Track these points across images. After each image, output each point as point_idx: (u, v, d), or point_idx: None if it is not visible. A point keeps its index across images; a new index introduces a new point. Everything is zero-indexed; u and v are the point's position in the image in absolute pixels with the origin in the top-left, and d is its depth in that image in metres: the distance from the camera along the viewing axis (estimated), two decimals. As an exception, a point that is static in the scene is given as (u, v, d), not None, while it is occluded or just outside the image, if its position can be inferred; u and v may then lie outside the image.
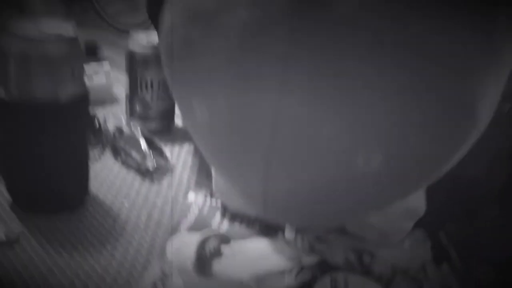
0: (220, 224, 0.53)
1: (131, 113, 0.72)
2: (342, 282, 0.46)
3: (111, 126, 0.69)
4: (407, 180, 0.36)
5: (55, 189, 0.52)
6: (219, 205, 0.56)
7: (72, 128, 0.50)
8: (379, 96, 0.28)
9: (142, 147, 0.63)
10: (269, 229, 0.53)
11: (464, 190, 0.57)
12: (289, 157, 0.34)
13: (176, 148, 0.70)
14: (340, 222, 0.46)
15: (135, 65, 0.69)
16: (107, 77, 0.81)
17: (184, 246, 0.49)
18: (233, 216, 0.54)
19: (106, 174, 0.62)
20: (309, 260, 0.49)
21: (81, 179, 0.55)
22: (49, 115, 0.48)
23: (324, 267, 0.48)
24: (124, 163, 0.64)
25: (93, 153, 0.65)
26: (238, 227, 0.53)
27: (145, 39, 0.68)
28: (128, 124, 0.69)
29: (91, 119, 0.56)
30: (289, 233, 0.51)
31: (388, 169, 0.33)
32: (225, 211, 0.55)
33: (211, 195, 0.58)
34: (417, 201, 0.51)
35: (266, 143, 0.34)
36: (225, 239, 0.51)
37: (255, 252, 0.50)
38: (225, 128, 0.36)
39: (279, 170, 0.36)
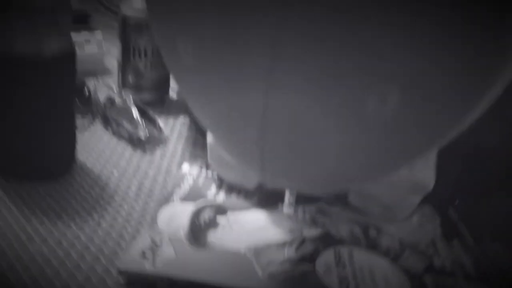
0: (216, 195, 0.50)
1: (123, 82, 0.68)
2: (346, 255, 0.43)
3: (101, 96, 0.66)
4: (419, 134, 0.32)
5: (38, 155, 0.48)
6: (215, 176, 0.53)
7: (56, 88, 0.47)
8: (400, 27, 0.25)
9: (134, 116, 0.60)
10: (268, 201, 0.49)
11: (479, 164, 0.54)
12: (287, 102, 0.30)
13: (171, 120, 0.66)
14: (342, 186, 0.42)
15: (128, 31, 0.65)
16: (99, 47, 0.77)
17: (177, 215, 0.46)
18: (229, 188, 0.51)
19: (95, 144, 0.58)
20: (311, 232, 0.46)
21: (67, 146, 0.51)
22: (31, 72, 0.44)
23: (327, 240, 0.45)
24: (115, 133, 0.60)
25: (82, 122, 0.62)
26: (235, 199, 0.49)
27: (139, 2, 0.64)
28: (120, 94, 0.65)
29: (78, 81, 0.52)
30: (288, 205, 0.48)
31: (400, 116, 0.29)
32: (221, 183, 0.52)
33: (207, 167, 0.54)
34: (426, 175, 0.48)
35: (261, 89, 0.30)
36: (221, 210, 0.47)
37: (253, 223, 0.46)
38: (213, 75, 0.32)
39: (276, 122, 0.32)
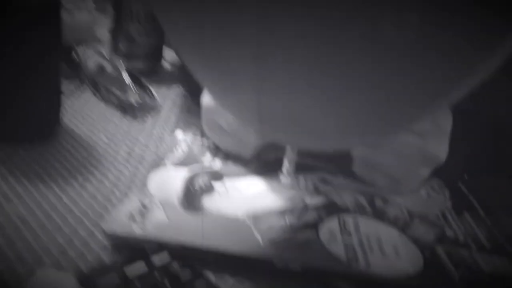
0: (211, 162, 0.46)
1: (115, 49, 0.64)
2: (352, 223, 0.40)
3: (91, 63, 0.62)
4: (420, 91, 0.29)
5: (20, 116, 0.44)
6: (210, 144, 0.49)
7: (39, 44, 0.43)
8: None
9: (126, 82, 0.56)
10: (266, 170, 0.46)
11: (493, 138, 0.51)
12: (285, 51, 0.27)
13: (164, 89, 0.63)
14: (342, 144, 0.39)
15: (120, -7, 0.61)
16: (90, 14, 0.73)
17: (170, 180, 0.42)
18: (226, 155, 0.48)
19: (82, 109, 0.54)
20: (314, 201, 0.42)
21: (51, 107, 0.47)
22: (10, 20, 0.40)
23: (330, 208, 0.42)
24: (104, 99, 0.57)
25: (69, 87, 0.58)
26: (231, 166, 0.46)
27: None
28: (110, 60, 0.61)
29: (65, 43, 0.48)
30: (287, 174, 0.45)
31: (402, 71, 0.26)
32: (216, 150, 0.48)
33: (201, 134, 0.51)
34: (439, 146, 0.45)
35: (255, 38, 0.27)
36: (217, 176, 0.44)
37: (251, 190, 0.43)
38: (209, 30, 0.29)
39: (273, 73, 0.29)
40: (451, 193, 0.47)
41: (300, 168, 0.47)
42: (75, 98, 0.56)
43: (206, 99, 0.47)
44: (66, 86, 0.58)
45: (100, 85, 0.58)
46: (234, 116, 0.43)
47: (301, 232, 0.38)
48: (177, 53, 0.35)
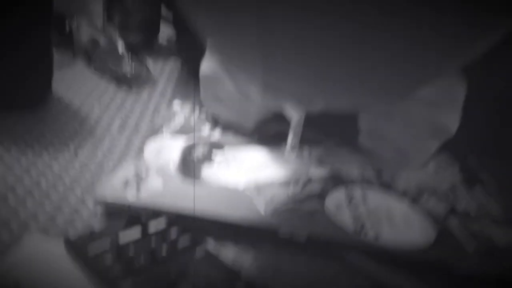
0: (210, 132, 0.44)
1: (109, 21, 0.62)
2: (359, 195, 0.38)
3: (84, 36, 0.59)
4: (433, 42, 0.26)
5: (9, 83, 0.42)
6: (209, 115, 0.47)
7: (28, 9, 0.40)
8: None
9: (120, 53, 0.54)
10: (269, 141, 0.44)
11: (503, 111, 0.49)
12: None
13: (160, 63, 0.60)
14: (349, 103, 0.36)
15: (114, -39, 0.59)
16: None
17: (167, 148, 0.40)
18: (226, 126, 0.45)
19: (75, 80, 0.52)
20: (318, 172, 0.40)
21: (42, 74, 0.45)
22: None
23: (336, 180, 0.39)
24: (98, 69, 0.54)
25: (62, 58, 0.56)
26: (232, 137, 0.44)
27: None
28: (105, 33, 0.59)
29: (56, 13, 0.46)
30: (291, 147, 0.42)
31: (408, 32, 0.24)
32: (216, 121, 0.46)
33: (200, 106, 0.49)
34: (450, 118, 0.42)
35: None
36: (216, 146, 0.42)
37: (253, 161, 0.41)
38: None
39: (278, 26, 0.26)
40: (461, 167, 0.45)
41: (304, 141, 0.45)
42: (68, 70, 0.53)
43: (205, 69, 0.44)
44: (59, 58, 0.56)
45: (94, 57, 0.56)
46: (236, 83, 0.40)
47: (306, 203, 0.36)
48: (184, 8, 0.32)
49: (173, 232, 0.29)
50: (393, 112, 0.42)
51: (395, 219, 0.35)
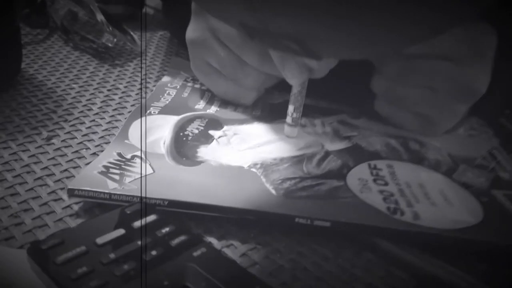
0: (206, 108, 0.38)
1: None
2: (386, 170, 0.32)
3: (61, 9, 0.53)
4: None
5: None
6: (203, 90, 0.41)
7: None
8: None
9: (102, 25, 0.47)
10: (274, 114, 0.38)
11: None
12: None
13: (148, 34, 0.54)
14: (361, 54, 0.30)
15: None
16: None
17: (155, 128, 0.34)
18: (223, 102, 0.39)
19: (52, 58, 0.46)
20: (335, 146, 0.35)
21: (7, 56, 0.39)
22: None
23: (357, 153, 0.34)
24: (78, 46, 0.48)
25: (38, 35, 0.50)
26: (231, 113, 0.38)
27: None
28: (83, 5, 0.52)
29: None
30: (291, 121, 0.35)
31: None
32: (212, 97, 0.40)
33: (193, 80, 0.43)
34: (479, 77, 0.36)
35: None
36: (214, 122, 0.36)
37: (258, 137, 0.35)
38: None
39: None
40: (496, 130, 0.40)
41: (315, 111, 0.39)
42: (44, 48, 0.47)
43: (190, 33, 0.38)
44: (34, 35, 0.50)
45: (73, 32, 0.50)
46: (228, 45, 0.34)
47: (324, 181, 0.30)
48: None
49: (166, 226, 0.23)
50: (410, 71, 0.36)
51: (432, 195, 0.30)
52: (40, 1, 0.52)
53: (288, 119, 0.35)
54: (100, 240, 0.22)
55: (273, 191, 0.28)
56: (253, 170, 0.31)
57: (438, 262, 0.25)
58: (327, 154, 0.33)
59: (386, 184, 0.30)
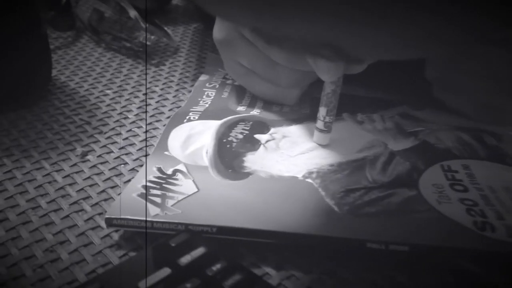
0: (249, 109, 0.35)
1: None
2: (463, 172, 0.28)
3: (86, 9, 0.50)
4: None
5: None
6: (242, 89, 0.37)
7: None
8: None
9: (132, 16, 0.44)
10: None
11: None
12: None
13: (181, 28, 0.51)
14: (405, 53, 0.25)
15: None
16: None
17: (197, 136, 0.31)
18: (266, 102, 0.36)
19: (81, 60, 0.43)
20: (400, 144, 0.30)
21: (35, 65, 0.36)
22: None
23: (426, 153, 0.30)
24: (109, 45, 0.46)
25: (65, 39, 0.47)
26: (277, 114, 0.34)
27: None
28: (109, 3, 0.50)
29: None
30: (323, 124, 0.31)
31: None
32: (254, 96, 0.36)
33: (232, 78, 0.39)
34: None
35: None
36: (259, 125, 0.33)
37: (310, 140, 0.31)
38: None
39: None
40: None
41: (369, 104, 0.35)
42: (75, 52, 0.45)
43: (216, 33, 0.34)
44: (65, 38, 0.47)
45: (103, 32, 0.47)
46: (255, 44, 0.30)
47: (393, 191, 0.26)
48: None
49: (217, 261, 0.20)
50: (465, 56, 0.31)
51: (524, 201, 0.25)
52: (65, 2, 0.49)
53: (319, 124, 0.30)
54: (142, 285, 0.19)
55: (336, 208, 0.24)
56: (309, 180, 0.27)
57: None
58: (392, 155, 0.29)
59: (465, 190, 0.26)
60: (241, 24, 0.29)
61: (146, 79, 0.40)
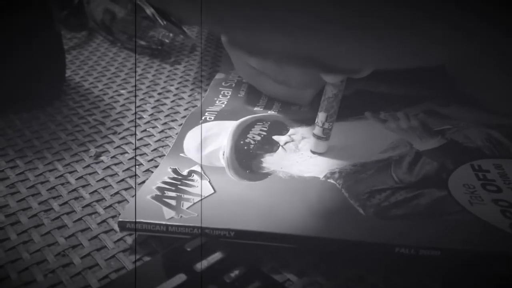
0: (266, 109, 0.34)
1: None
2: (495, 172, 0.26)
3: (99, 9, 0.50)
4: None
5: (11, 82, 0.33)
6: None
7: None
8: None
9: (149, 13, 0.44)
10: (347, 109, 0.32)
11: None
12: None
13: (196, 27, 0.50)
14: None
15: None
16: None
17: (213, 138, 0.30)
18: (283, 102, 0.34)
19: (96, 60, 0.43)
20: (427, 144, 0.29)
21: (50, 66, 0.36)
22: None
23: (455, 152, 0.28)
24: (124, 44, 0.45)
25: (79, 39, 0.47)
26: (296, 112, 0.33)
27: None
28: (121, 3, 0.49)
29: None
30: (321, 129, 0.28)
31: None
32: (270, 96, 0.35)
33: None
34: None
35: None
36: (278, 125, 0.31)
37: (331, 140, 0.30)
38: None
39: None
40: None
41: (392, 101, 0.34)
42: (89, 52, 0.44)
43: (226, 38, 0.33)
44: (79, 38, 0.47)
45: (117, 31, 0.46)
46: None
47: (422, 192, 0.25)
48: None
49: (235, 267, 0.19)
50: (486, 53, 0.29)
51: None
52: (77, 1, 0.49)
53: (317, 131, 0.28)
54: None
55: (361, 210, 0.23)
56: (331, 181, 0.26)
57: None
58: (418, 155, 0.27)
59: (499, 190, 0.24)
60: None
61: (135, 77, 0.39)
